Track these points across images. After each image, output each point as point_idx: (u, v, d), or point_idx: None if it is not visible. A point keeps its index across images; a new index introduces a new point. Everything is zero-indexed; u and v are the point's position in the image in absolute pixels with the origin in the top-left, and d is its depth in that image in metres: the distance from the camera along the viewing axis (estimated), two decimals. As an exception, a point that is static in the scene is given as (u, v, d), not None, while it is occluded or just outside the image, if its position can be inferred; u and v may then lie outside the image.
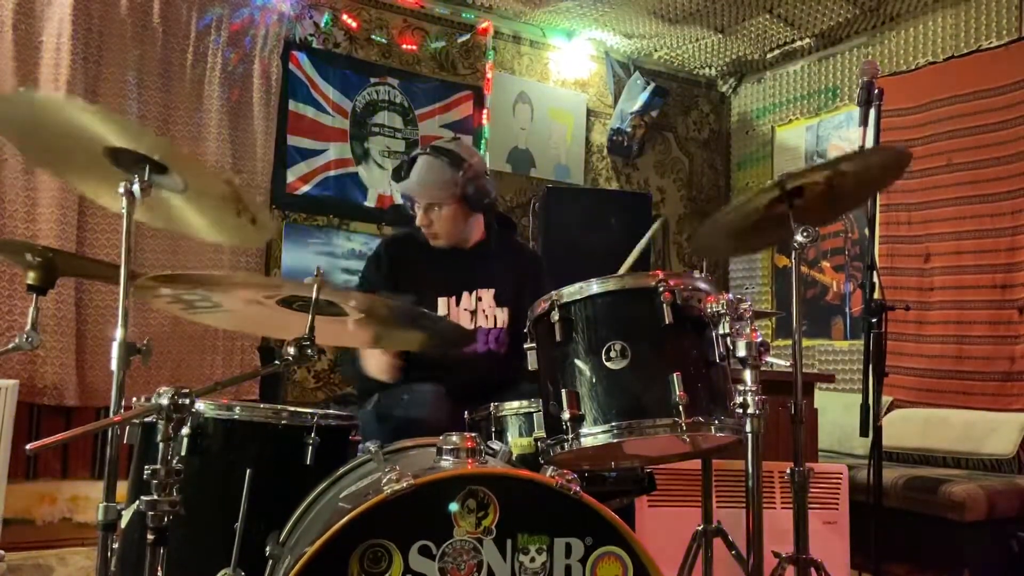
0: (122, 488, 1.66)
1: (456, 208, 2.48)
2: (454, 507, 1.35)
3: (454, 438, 1.53)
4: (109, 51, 3.96)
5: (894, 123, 4.49)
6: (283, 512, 1.67)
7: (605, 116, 5.53)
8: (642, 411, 1.61)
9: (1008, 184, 4.19)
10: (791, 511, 2.06)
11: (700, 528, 2.28)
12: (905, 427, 4.17)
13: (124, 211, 1.58)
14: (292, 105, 4.48)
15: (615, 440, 1.62)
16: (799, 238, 2.00)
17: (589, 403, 1.63)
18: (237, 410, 1.82)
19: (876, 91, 2.66)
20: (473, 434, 1.55)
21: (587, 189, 5.34)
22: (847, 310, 5.04)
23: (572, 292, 1.70)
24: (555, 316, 1.68)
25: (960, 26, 4.56)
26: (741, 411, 1.57)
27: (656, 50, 5.51)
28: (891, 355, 3.26)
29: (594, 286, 1.69)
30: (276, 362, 1.61)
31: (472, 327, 2.51)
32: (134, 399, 1.78)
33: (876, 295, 2.71)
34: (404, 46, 4.84)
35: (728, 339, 1.60)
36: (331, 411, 1.89)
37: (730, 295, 1.64)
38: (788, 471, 2.04)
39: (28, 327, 2.09)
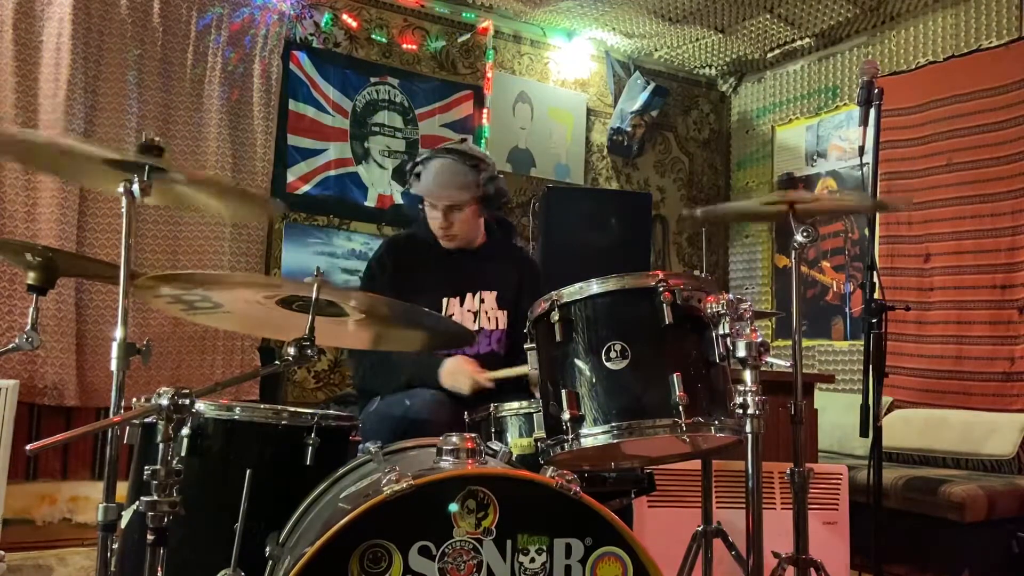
0: (122, 488, 1.66)
1: (475, 209, 2.50)
2: (454, 507, 1.35)
3: (454, 438, 1.53)
4: (109, 51, 3.96)
5: (894, 123, 4.49)
6: (283, 512, 1.67)
7: (605, 116, 5.53)
8: (642, 411, 1.61)
9: (1008, 184, 4.19)
10: (791, 511, 2.06)
11: (700, 528, 2.29)
12: (905, 427, 4.17)
13: (124, 211, 1.58)
14: (292, 105, 4.48)
15: (615, 440, 1.62)
16: (799, 238, 2.01)
17: (589, 403, 1.63)
18: (237, 410, 1.82)
19: (876, 91, 2.66)
20: (473, 435, 1.55)
21: (587, 189, 5.34)
22: (847, 310, 5.04)
23: (572, 292, 1.70)
24: (555, 316, 1.68)
25: (960, 26, 4.55)
26: (741, 411, 1.57)
27: (656, 50, 5.51)
28: (891, 355, 3.26)
29: (594, 286, 1.69)
30: (276, 362, 1.61)
31: (475, 328, 2.51)
32: (134, 399, 1.78)
33: (876, 295, 2.71)
34: (404, 46, 4.84)
35: (728, 339, 1.60)
36: (331, 411, 1.89)
37: (730, 295, 1.63)
38: (788, 471, 2.04)
39: (28, 327, 2.08)
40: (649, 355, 1.65)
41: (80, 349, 3.83)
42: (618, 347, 1.63)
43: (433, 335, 2.10)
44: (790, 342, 2.15)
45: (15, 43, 3.74)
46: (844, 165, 5.14)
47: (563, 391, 1.64)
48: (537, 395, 1.79)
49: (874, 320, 2.67)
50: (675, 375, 1.59)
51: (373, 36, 4.75)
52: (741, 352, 1.57)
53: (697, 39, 5.32)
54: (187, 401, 1.37)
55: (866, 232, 4.59)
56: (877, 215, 3.30)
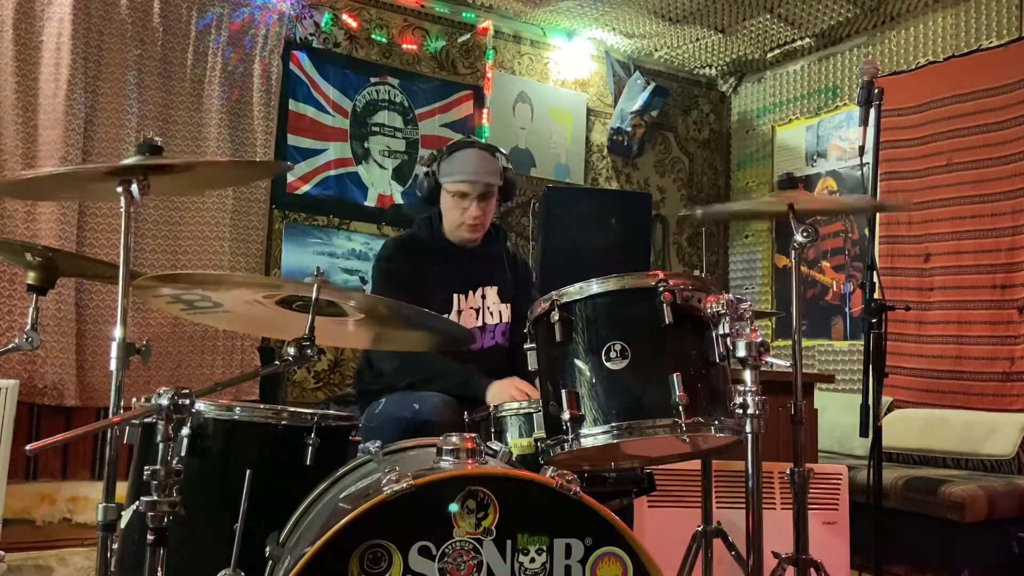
0: (122, 488, 1.66)
1: (497, 198, 2.56)
2: (454, 507, 1.35)
3: (454, 438, 1.53)
4: (109, 51, 3.96)
5: (894, 123, 4.49)
6: (283, 512, 1.67)
7: (605, 116, 5.53)
8: (642, 411, 1.61)
9: (1008, 184, 4.19)
10: (791, 511, 2.06)
11: (700, 528, 2.28)
12: (905, 427, 4.17)
13: (123, 211, 1.58)
14: (292, 105, 4.48)
15: (615, 440, 1.62)
16: (799, 238, 2.01)
17: (589, 403, 1.63)
18: (237, 410, 1.82)
19: (876, 91, 2.66)
20: (473, 435, 1.54)
21: (587, 189, 5.34)
22: (847, 310, 5.04)
23: (572, 292, 1.70)
24: (555, 316, 1.68)
25: (960, 26, 4.55)
26: (741, 411, 1.56)
27: (656, 50, 5.51)
28: (891, 355, 3.26)
29: (594, 286, 1.69)
30: (276, 362, 1.61)
31: (480, 324, 2.54)
32: (134, 399, 1.78)
33: (876, 295, 2.71)
34: (404, 46, 4.84)
35: (728, 339, 1.60)
36: (331, 411, 1.89)
37: (730, 295, 1.63)
38: (788, 471, 2.04)
39: (28, 327, 2.08)
40: (649, 355, 1.65)
41: (80, 349, 3.83)
42: (618, 347, 1.63)
43: (433, 335, 2.10)
44: (790, 342, 2.15)
45: (15, 43, 3.74)
46: (844, 165, 5.14)
47: (563, 391, 1.64)
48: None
49: (874, 320, 2.67)
50: (675, 375, 1.59)
51: (373, 36, 4.75)
52: (741, 352, 1.57)
53: (697, 39, 5.32)
54: (187, 401, 1.37)
55: (866, 232, 4.59)
56: (877, 215, 3.30)
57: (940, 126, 4.47)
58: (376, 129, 4.74)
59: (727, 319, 1.60)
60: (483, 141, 2.58)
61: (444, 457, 1.52)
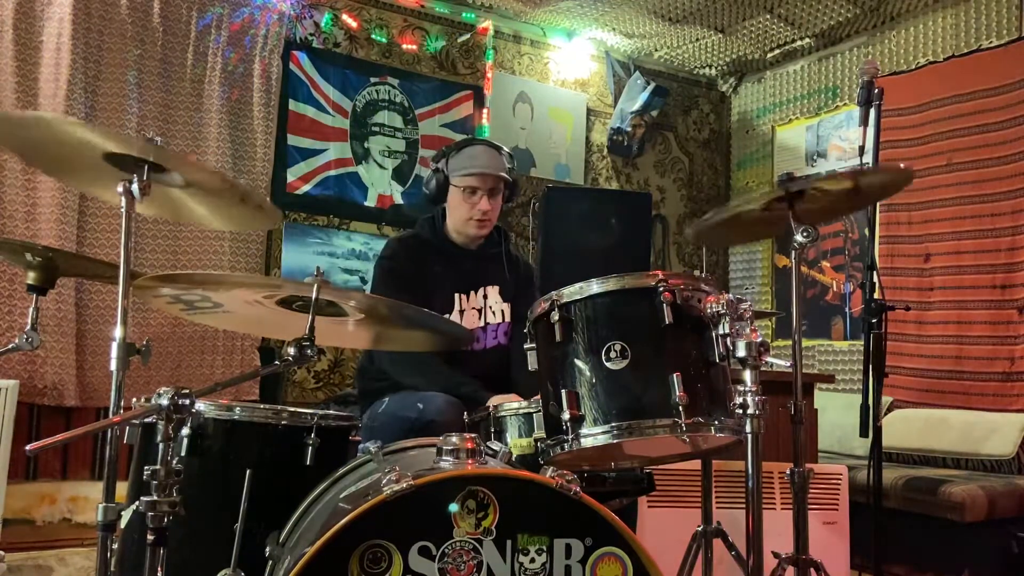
0: (122, 488, 1.66)
1: (503, 195, 2.57)
2: (454, 508, 1.35)
3: (454, 438, 1.53)
4: (109, 51, 3.96)
5: (894, 123, 4.49)
6: (283, 512, 1.67)
7: (605, 116, 5.53)
8: (642, 411, 1.61)
9: (1008, 184, 4.19)
10: (791, 511, 2.06)
11: (700, 528, 2.28)
12: (905, 427, 4.17)
13: (123, 211, 1.58)
14: (292, 105, 4.48)
15: (615, 440, 1.62)
16: (799, 238, 2.00)
17: (589, 403, 1.63)
18: (237, 410, 1.82)
19: (876, 91, 2.66)
20: (473, 435, 1.54)
21: (587, 189, 5.34)
22: (847, 310, 5.04)
23: (572, 292, 1.70)
24: (555, 316, 1.68)
25: (960, 26, 4.56)
26: (741, 411, 1.56)
27: (656, 50, 5.51)
28: (891, 355, 3.26)
29: (594, 286, 1.69)
30: (276, 362, 1.61)
31: (482, 324, 2.54)
32: (134, 399, 1.78)
33: (876, 295, 2.71)
34: (404, 46, 4.84)
35: (728, 339, 1.60)
36: (331, 411, 1.89)
37: (730, 295, 1.63)
38: (788, 472, 2.04)
39: (28, 327, 2.09)
40: (649, 355, 1.65)
41: (80, 349, 3.83)
42: (618, 347, 1.63)
43: (433, 335, 2.10)
44: (790, 342, 2.14)
45: (15, 43, 3.74)
46: (844, 165, 5.14)
47: (563, 391, 1.64)
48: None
49: (874, 320, 2.67)
50: (675, 375, 1.59)
51: (373, 36, 4.75)
52: (741, 352, 1.57)
53: (697, 39, 5.32)
54: (187, 401, 1.37)
55: (866, 232, 4.59)
56: (877, 215, 3.30)
57: (940, 126, 4.47)
58: (376, 129, 4.74)
59: (727, 319, 1.60)
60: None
61: (444, 457, 1.52)
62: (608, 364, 1.63)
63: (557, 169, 5.33)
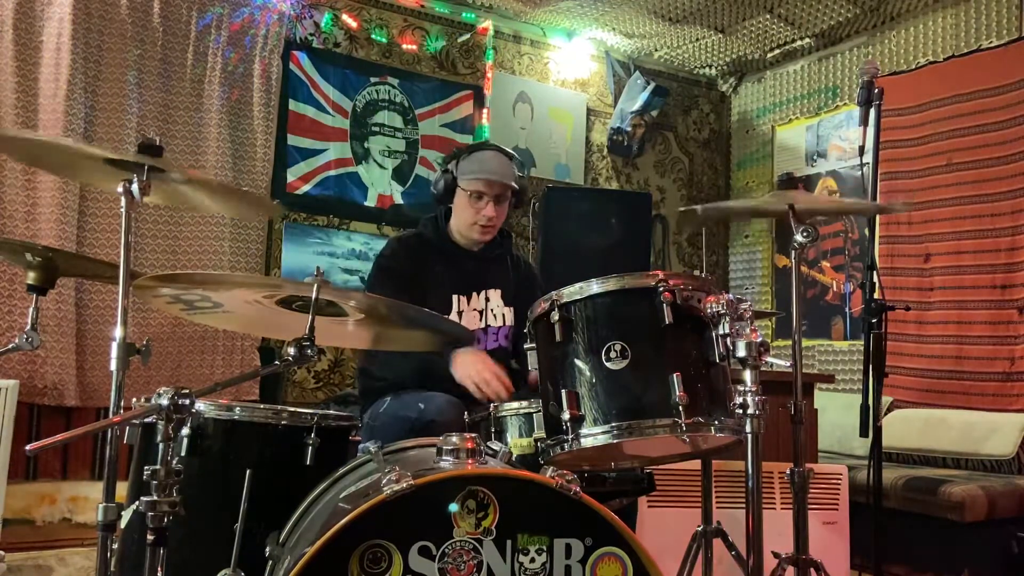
0: (122, 488, 1.66)
1: (509, 203, 2.56)
2: (454, 507, 1.35)
3: (454, 438, 1.53)
4: (109, 51, 3.96)
5: (894, 123, 4.49)
6: (283, 512, 1.67)
7: (605, 116, 5.53)
8: (642, 411, 1.61)
9: (1008, 184, 4.19)
10: (791, 511, 2.06)
11: (700, 528, 2.29)
12: (905, 427, 4.17)
13: (123, 211, 1.58)
14: (292, 105, 4.48)
15: (615, 440, 1.62)
16: (799, 238, 2.00)
17: (589, 403, 1.63)
18: (237, 410, 1.82)
19: (876, 91, 2.66)
20: (473, 435, 1.54)
21: (587, 189, 5.34)
22: (847, 310, 5.04)
23: (572, 292, 1.70)
24: (555, 316, 1.68)
25: (960, 26, 4.55)
26: (741, 411, 1.56)
27: (656, 50, 5.51)
28: (891, 355, 3.26)
29: (594, 286, 1.69)
30: (276, 362, 1.61)
31: (483, 326, 2.54)
32: (134, 399, 1.78)
33: (876, 295, 2.71)
34: (404, 46, 4.84)
35: (728, 339, 1.60)
36: (331, 411, 1.89)
37: (730, 295, 1.63)
38: (788, 471, 2.04)
39: (28, 327, 2.09)
40: (649, 355, 1.65)
41: (80, 349, 3.83)
42: (618, 347, 1.63)
43: (434, 336, 2.09)
44: (790, 342, 2.15)
45: (15, 43, 3.74)
46: (844, 165, 5.14)
47: (563, 391, 1.64)
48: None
49: (874, 320, 2.67)
50: (675, 375, 1.59)
51: (373, 36, 4.75)
52: (741, 352, 1.57)
53: (697, 39, 5.32)
54: (187, 401, 1.37)
55: (866, 232, 4.59)
56: (877, 215, 3.30)
57: (940, 126, 4.47)
58: (376, 129, 4.74)
59: (727, 319, 1.60)
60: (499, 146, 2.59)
61: (444, 457, 1.52)
62: (608, 364, 1.63)
63: (557, 169, 5.33)
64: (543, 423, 1.78)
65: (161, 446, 1.37)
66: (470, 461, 1.49)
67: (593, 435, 1.62)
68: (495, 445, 1.74)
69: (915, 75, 4.67)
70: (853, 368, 4.84)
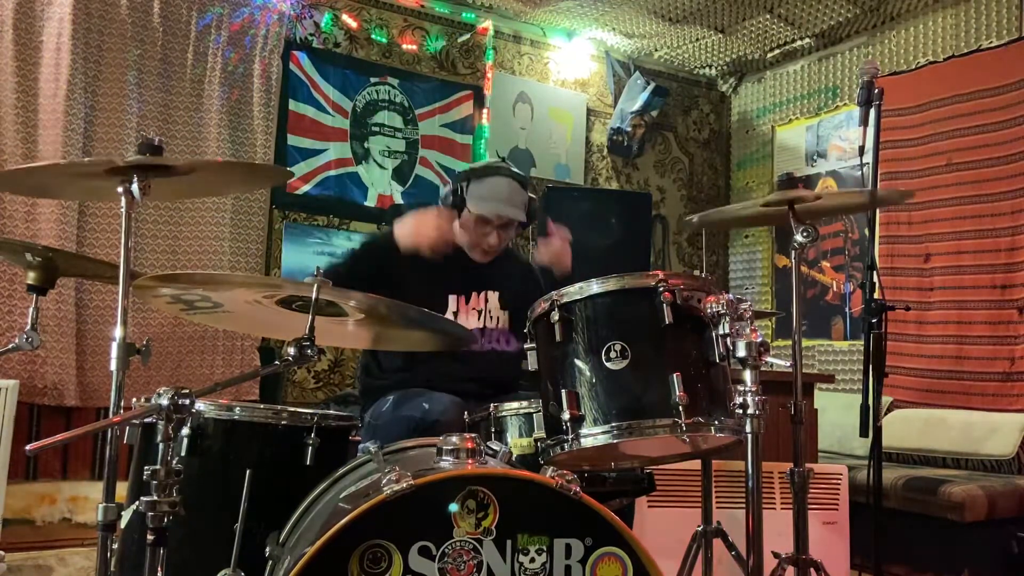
0: (122, 488, 1.66)
1: (515, 227, 2.54)
2: (454, 507, 1.35)
3: (454, 439, 1.53)
4: (109, 51, 3.97)
5: (894, 123, 4.49)
6: (283, 512, 1.67)
7: (605, 116, 5.53)
8: (642, 411, 1.61)
9: (1008, 184, 4.19)
10: (791, 511, 2.06)
11: (700, 528, 2.29)
12: (905, 428, 4.17)
13: (123, 211, 1.58)
14: (292, 105, 4.48)
15: (615, 440, 1.62)
16: (799, 238, 2.01)
17: (589, 403, 1.63)
18: (237, 410, 1.82)
19: (876, 91, 2.66)
20: (473, 435, 1.54)
21: (587, 189, 5.34)
22: (847, 310, 5.04)
23: (572, 292, 1.70)
24: (555, 316, 1.68)
25: (960, 26, 4.55)
26: (741, 411, 1.56)
27: (656, 50, 5.51)
28: (891, 355, 3.26)
29: (594, 286, 1.69)
30: (276, 362, 1.61)
31: (480, 326, 2.53)
32: (134, 399, 1.78)
33: (876, 295, 2.71)
34: (404, 46, 4.84)
35: (728, 339, 1.60)
36: (331, 411, 1.89)
37: (730, 295, 1.63)
38: (788, 471, 2.04)
39: (28, 327, 2.08)
40: (649, 355, 1.65)
41: (80, 349, 3.83)
42: (618, 347, 1.63)
43: (434, 335, 2.09)
44: (790, 342, 2.15)
45: (15, 43, 3.75)
46: (844, 165, 5.14)
47: (563, 391, 1.64)
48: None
49: (874, 320, 2.67)
50: (675, 375, 1.59)
51: (373, 36, 4.75)
52: (741, 352, 1.57)
53: (697, 39, 5.32)
54: (187, 401, 1.37)
55: (866, 232, 4.59)
56: (877, 215, 3.29)
57: (940, 126, 4.47)
58: (376, 129, 4.74)
59: (727, 319, 1.60)
60: (514, 169, 2.54)
61: (444, 457, 1.52)
62: (608, 364, 1.63)
63: (557, 169, 5.33)
64: (543, 423, 1.78)
65: (161, 446, 1.37)
66: (470, 461, 1.49)
67: (593, 435, 1.62)
68: (495, 445, 1.74)
69: (915, 75, 4.67)
70: (853, 368, 4.84)
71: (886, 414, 4.19)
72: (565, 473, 1.42)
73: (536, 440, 1.79)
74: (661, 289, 1.64)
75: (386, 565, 1.32)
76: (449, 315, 2.50)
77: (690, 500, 2.62)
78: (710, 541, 2.28)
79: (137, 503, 1.45)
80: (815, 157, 5.34)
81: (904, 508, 3.47)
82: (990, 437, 3.89)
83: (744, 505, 1.62)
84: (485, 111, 5.04)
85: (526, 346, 1.81)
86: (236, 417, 1.81)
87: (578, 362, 1.66)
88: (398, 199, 4.76)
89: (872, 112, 2.68)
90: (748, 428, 1.57)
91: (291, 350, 1.58)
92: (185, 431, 1.72)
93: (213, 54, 4.21)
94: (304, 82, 4.53)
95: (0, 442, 3.27)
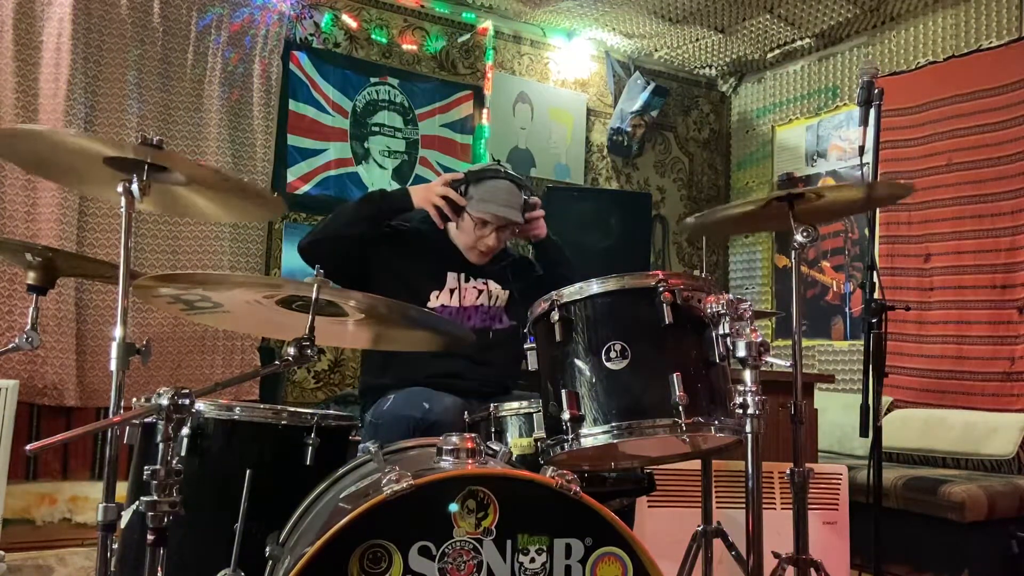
0: (122, 488, 1.66)
1: (512, 229, 2.56)
2: (454, 507, 1.35)
3: (454, 438, 1.53)
4: (109, 51, 3.96)
5: (894, 123, 4.49)
6: (283, 512, 1.67)
7: (605, 116, 5.53)
8: (642, 411, 1.61)
9: (1008, 184, 4.19)
10: (791, 511, 2.06)
11: (700, 528, 2.28)
12: (905, 427, 4.17)
13: (123, 211, 1.58)
14: (292, 105, 4.48)
15: (615, 440, 1.62)
16: (799, 238, 2.00)
17: (589, 403, 1.63)
18: (237, 410, 1.82)
19: (876, 91, 2.66)
20: (473, 435, 1.55)
21: (587, 189, 5.34)
22: (847, 310, 5.04)
23: (572, 292, 1.70)
24: (555, 316, 1.68)
25: (960, 26, 4.56)
26: (741, 411, 1.56)
27: (656, 50, 5.51)
28: (891, 355, 3.27)
29: (594, 286, 1.69)
30: (276, 362, 1.61)
31: (477, 303, 2.54)
32: (134, 399, 1.78)
33: (876, 295, 2.71)
34: (404, 46, 4.84)
35: (728, 339, 1.60)
36: (331, 411, 1.89)
37: (730, 295, 1.63)
38: (788, 471, 2.04)
39: (28, 327, 2.09)
40: (649, 355, 1.65)
41: (80, 349, 3.83)
42: (618, 347, 1.63)
43: (434, 335, 2.10)
44: (790, 342, 2.15)
45: (15, 43, 3.74)
46: (844, 165, 5.14)
47: (563, 391, 1.64)
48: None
49: (874, 320, 2.67)
50: (675, 375, 1.59)
51: (373, 36, 4.75)
52: (741, 352, 1.57)
53: (697, 39, 5.32)
54: (187, 401, 1.37)
55: (866, 232, 4.59)
56: (877, 215, 3.30)
57: (940, 126, 4.47)
58: (376, 129, 4.74)
59: (727, 319, 1.60)
60: (512, 172, 2.56)
61: (444, 457, 1.52)
62: (608, 364, 1.63)
63: (557, 169, 5.33)
64: (543, 423, 1.78)
65: (161, 446, 1.37)
66: (470, 461, 1.49)
67: (593, 435, 1.62)
68: (495, 445, 1.74)
69: (915, 75, 4.67)
70: (853, 368, 4.84)
71: (886, 414, 4.19)
72: (565, 473, 1.42)
73: (536, 440, 1.79)
74: (661, 289, 1.64)
75: (386, 565, 1.32)
76: (447, 291, 2.52)
77: (690, 500, 2.62)
78: (710, 541, 2.28)
79: (137, 503, 1.45)
80: (815, 157, 5.34)
81: (904, 508, 3.48)
82: (990, 437, 3.89)
83: (744, 505, 1.62)
84: (485, 111, 5.04)
85: (526, 346, 1.81)
86: (236, 417, 1.82)
87: (578, 362, 1.66)
88: (398, 199, 4.75)
89: (872, 112, 2.68)
90: (748, 428, 1.56)
91: (291, 350, 1.58)
92: (185, 431, 1.72)
93: (213, 54, 4.21)
94: (304, 82, 4.53)
95: (0, 442, 3.27)
